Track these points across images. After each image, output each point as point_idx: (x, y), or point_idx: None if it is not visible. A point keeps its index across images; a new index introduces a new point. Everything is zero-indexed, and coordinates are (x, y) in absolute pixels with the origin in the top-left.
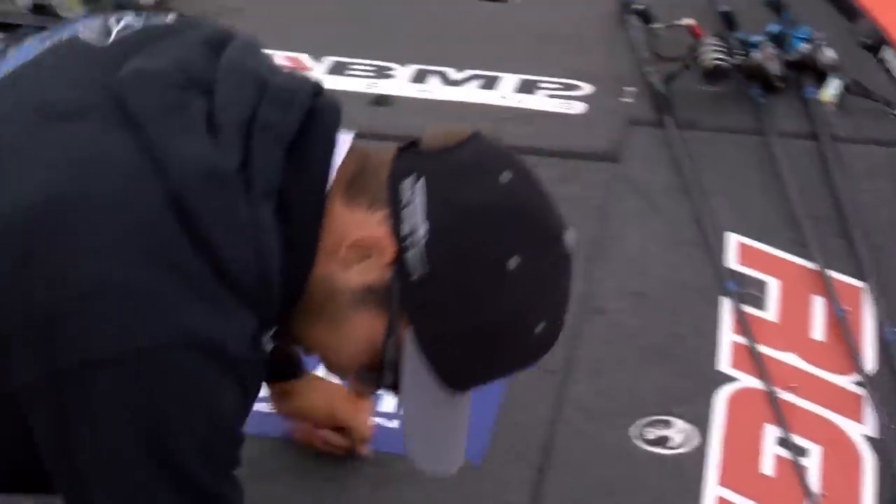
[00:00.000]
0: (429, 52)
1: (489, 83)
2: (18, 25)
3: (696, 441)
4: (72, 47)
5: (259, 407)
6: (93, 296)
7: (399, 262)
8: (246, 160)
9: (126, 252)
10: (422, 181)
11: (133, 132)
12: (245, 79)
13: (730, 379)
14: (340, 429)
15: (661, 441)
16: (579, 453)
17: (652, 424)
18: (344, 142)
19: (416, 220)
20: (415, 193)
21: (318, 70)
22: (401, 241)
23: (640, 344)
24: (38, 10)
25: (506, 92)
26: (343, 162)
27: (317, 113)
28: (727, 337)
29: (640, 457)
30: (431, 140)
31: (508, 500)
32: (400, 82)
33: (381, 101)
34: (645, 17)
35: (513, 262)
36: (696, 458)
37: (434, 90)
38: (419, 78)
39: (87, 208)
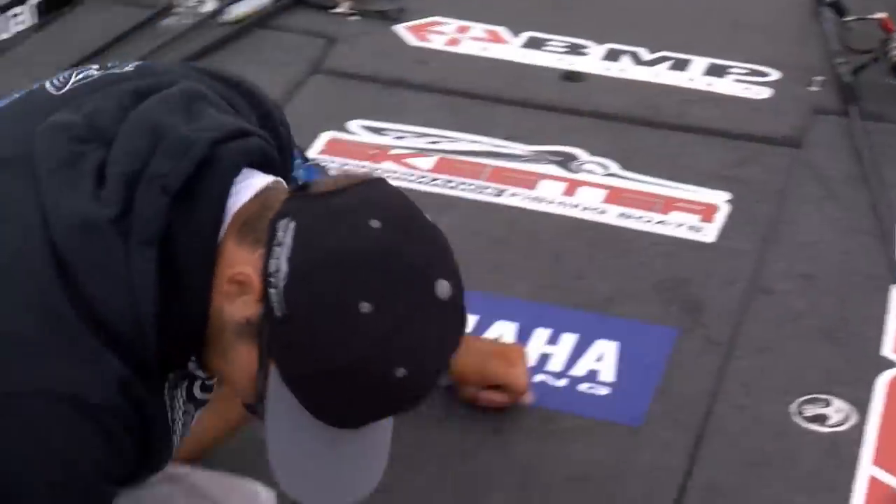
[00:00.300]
0: (624, 32)
1: (679, 65)
2: None
3: (853, 420)
4: (31, 97)
5: None
6: None
7: (265, 300)
8: (126, 210)
9: (5, 300)
10: (293, 223)
11: (34, 184)
12: (142, 130)
13: (893, 364)
14: (497, 386)
15: (819, 419)
16: (737, 425)
17: (811, 402)
18: (250, 186)
19: (281, 260)
20: (286, 235)
21: (514, 44)
22: (266, 279)
23: (806, 325)
24: None
25: (695, 74)
26: (245, 205)
27: (216, 160)
28: (895, 324)
29: (796, 432)
30: (321, 184)
31: (665, 463)
32: (593, 60)
33: (572, 76)
34: (838, 9)
35: (365, 307)
36: (853, 437)
37: (625, 69)
38: (612, 56)
39: None
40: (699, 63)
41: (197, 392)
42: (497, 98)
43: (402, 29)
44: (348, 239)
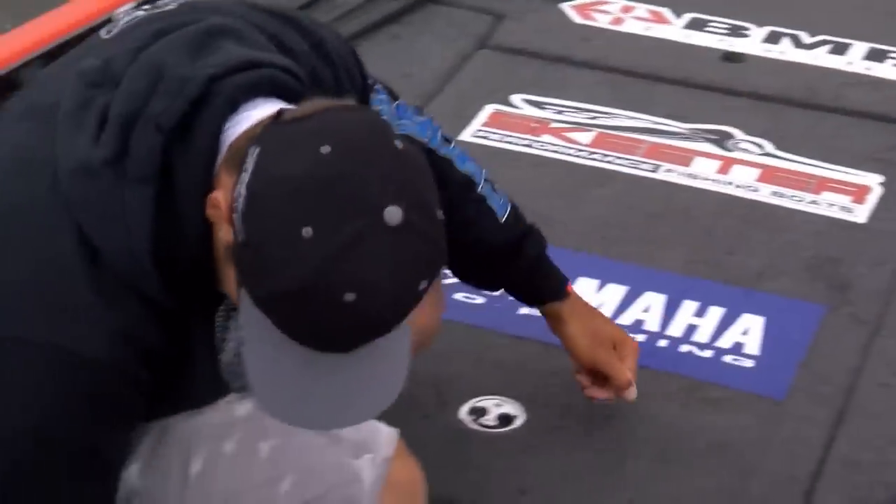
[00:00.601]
0: (785, 15)
1: (839, 49)
2: None
3: None
4: (87, 44)
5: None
6: None
7: (232, 224)
8: (123, 151)
9: (12, 247)
10: (258, 149)
11: (53, 130)
12: (145, 71)
13: None
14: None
15: None
16: (880, 404)
17: None
18: (249, 117)
19: (242, 186)
20: (251, 161)
21: (677, 24)
22: (232, 205)
23: None
24: None
25: (854, 59)
26: (239, 135)
27: (212, 95)
28: None
29: None
30: (295, 111)
31: (805, 436)
32: (753, 42)
33: (732, 57)
34: None
35: (307, 232)
36: None
37: (785, 51)
38: (772, 39)
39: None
40: (859, 47)
41: None
42: (657, 77)
43: (567, 7)
44: (296, 165)
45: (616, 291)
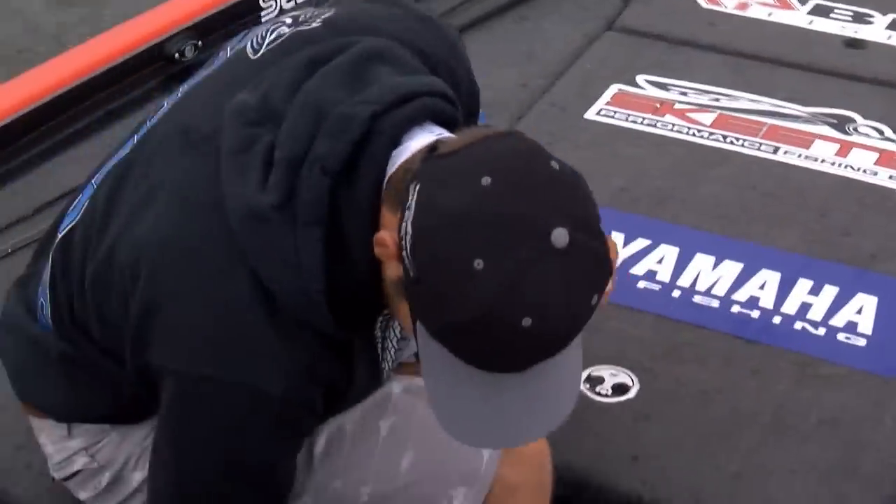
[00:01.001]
0: None
1: None
2: None
3: None
4: (233, 63)
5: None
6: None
7: (402, 262)
8: (291, 195)
9: (193, 287)
10: (418, 185)
11: (217, 167)
12: (307, 111)
13: None
14: None
15: None
16: None
17: None
18: (408, 149)
19: (408, 223)
20: (412, 197)
21: (801, 11)
22: (400, 242)
23: None
24: None
25: None
26: (396, 169)
27: (374, 134)
28: None
29: None
30: (448, 143)
31: None
32: (877, 29)
33: (855, 44)
34: None
35: (478, 264)
36: None
37: None
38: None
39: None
40: None
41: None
42: (780, 61)
43: None
44: (459, 198)
45: (732, 268)
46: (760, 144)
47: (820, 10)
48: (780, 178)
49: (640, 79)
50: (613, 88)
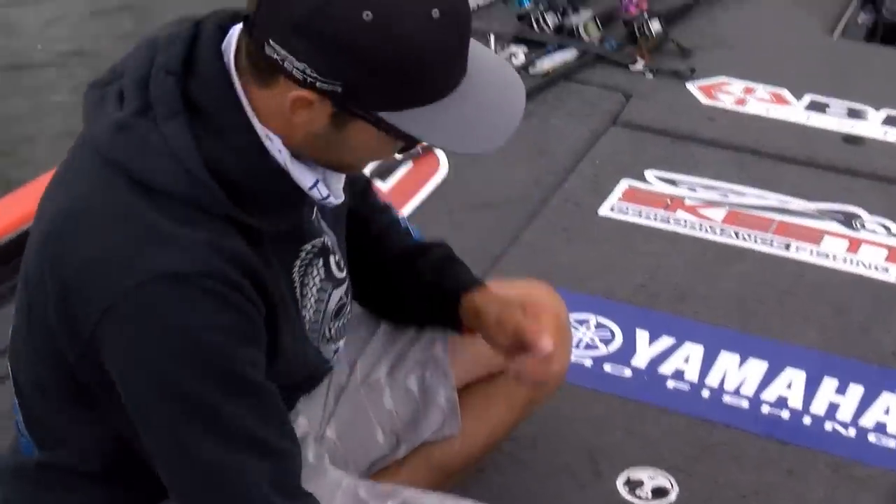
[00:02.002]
0: None
1: None
2: (544, 43)
3: None
4: None
5: None
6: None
7: (324, 93)
8: (147, 104)
9: (91, 223)
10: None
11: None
12: (143, 46)
13: None
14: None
15: None
16: None
17: None
18: (233, 36)
19: (297, 57)
20: (282, 48)
21: (797, 106)
22: (306, 81)
23: None
24: (559, 30)
25: None
26: (238, 53)
27: (200, 33)
28: None
29: None
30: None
31: None
32: (872, 125)
33: (852, 139)
34: None
35: (366, 14)
36: None
37: None
38: (890, 122)
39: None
40: None
41: (335, 270)
42: (781, 156)
43: (692, 87)
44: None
45: (758, 367)
46: (772, 240)
47: (816, 106)
48: (795, 275)
49: (648, 174)
50: (624, 184)
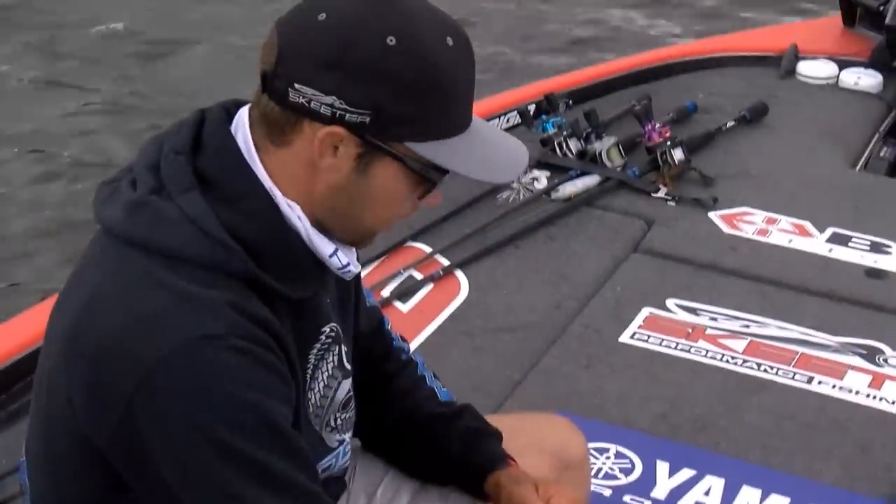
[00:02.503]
0: None
1: None
2: (567, 168)
3: None
4: None
5: None
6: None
7: (351, 128)
8: (160, 185)
9: (114, 297)
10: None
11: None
12: (147, 143)
13: None
14: None
15: None
16: None
17: None
18: (242, 113)
19: (322, 98)
20: (306, 92)
21: (819, 238)
22: (334, 116)
23: None
24: (582, 156)
25: None
26: (252, 123)
27: (206, 115)
28: None
29: None
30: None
31: None
32: (895, 259)
33: (875, 273)
34: None
35: (391, 40)
36: None
37: None
38: None
39: None
40: None
41: (346, 360)
42: (804, 288)
43: (714, 216)
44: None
45: (780, 503)
46: (794, 374)
47: (838, 239)
48: (817, 410)
49: (669, 302)
50: (645, 312)
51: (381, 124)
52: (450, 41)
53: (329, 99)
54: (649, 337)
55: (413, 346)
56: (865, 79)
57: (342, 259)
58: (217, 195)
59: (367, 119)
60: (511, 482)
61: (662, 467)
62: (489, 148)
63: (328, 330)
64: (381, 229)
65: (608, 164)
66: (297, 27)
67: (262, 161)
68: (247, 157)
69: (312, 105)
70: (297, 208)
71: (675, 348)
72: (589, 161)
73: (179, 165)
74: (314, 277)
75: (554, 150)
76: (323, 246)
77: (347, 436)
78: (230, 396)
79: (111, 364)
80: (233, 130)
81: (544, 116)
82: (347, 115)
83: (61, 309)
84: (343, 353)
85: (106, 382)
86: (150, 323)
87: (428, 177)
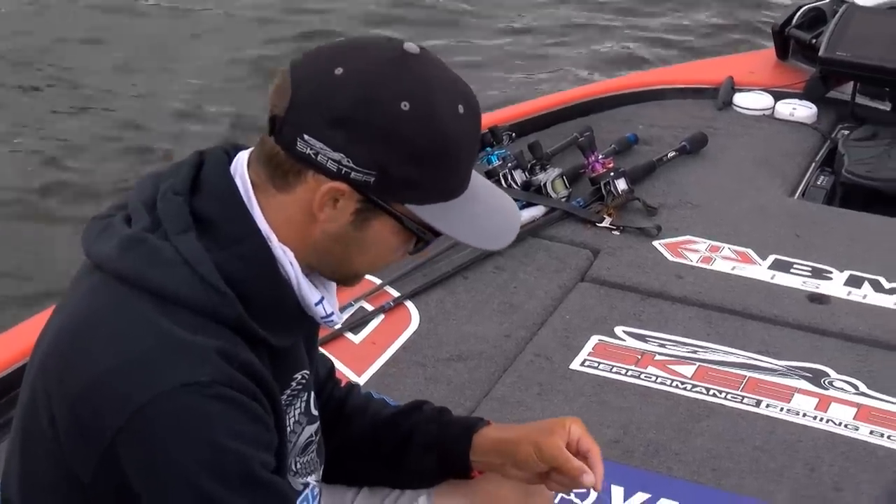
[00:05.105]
0: (862, 261)
1: None
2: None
3: None
4: None
5: None
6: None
7: (353, 184)
8: (156, 223)
9: (101, 332)
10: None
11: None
12: (143, 181)
13: None
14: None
15: None
16: None
17: None
18: (242, 156)
19: (328, 152)
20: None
21: (762, 265)
22: (339, 171)
23: None
24: (527, 187)
25: None
26: (251, 166)
27: (206, 157)
28: None
29: None
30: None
31: None
32: (836, 284)
33: (818, 298)
34: None
35: (405, 105)
36: None
37: (868, 295)
38: (854, 283)
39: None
40: None
41: (312, 407)
42: (749, 314)
43: (659, 245)
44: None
45: None
46: (743, 398)
47: (780, 266)
48: (767, 432)
49: (618, 330)
50: (594, 339)
51: (385, 185)
52: (461, 108)
53: (337, 155)
54: (599, 364)
55: (366, 376)
56: (800, 110)
57: (327, 308)
58: (213, 237)
59: (372, 179)
60: (507, 431)
61: (617, 492)
62: (484, 213)
63: (300, 377)
64: (369, 273)
65: (553, 195)
66: (312, 78)
67: (259, 202)
68: (245, 200)
69: (319, 158)
70: (290, 254)
71: (626, 374)
72: (534, 192)
73: (177, 205)
74: (298, 326)
75: (499, 182)
76: (311, 294)
77: (311, 479)
78: (212, 444)
79: (96, 404)
80: (232, 170)
81: (489, 149)
82: (353, 174)
83: (47, 342)
84: (311, 399)
85: (90, 421)
86: (138, 366)
87: (422, 236)
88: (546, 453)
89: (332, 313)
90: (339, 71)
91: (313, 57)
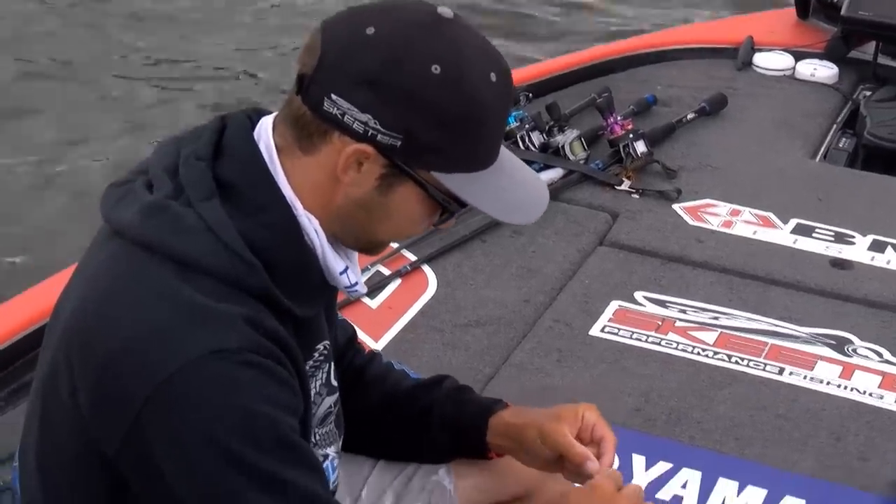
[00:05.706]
0: (886, 225)
1: None
2: (530, 162)
3: None
4: None
5: None
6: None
7: (381, 148)
8: (179, 189)
9: (125, 301)
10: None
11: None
12: (163, 146)
13: None
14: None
15: None
16: None
17: None
18: (266, 121)
19: (354, 112)
20: (340, 105)
21: (784, 229)
22: (366, 133)
23: None
24: (545, 149)
25: None
26: (277, 129)
27: (228, 121)
28: None
29: None
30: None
31: None
32: (859, 249)
33: (840, 264)
34: None
35: (435, 68)
36: None
37: (891, 260)
38: (877, 247)
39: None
40: None
41: (332, 378)
42: (771, 279)
43: (679, 208)
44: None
45: (757, 495)
46: (765, 365)
47: (802, 230)
48: (790, 401)
49: (638, 295)
50: (614, 305)
51: (411, 150)
52: (493, 77)
53: (364, 116)
54: (619, 330)
55: (383, 342)
56: (821, 70)
57: (351, 278)
58: (236, 204)
59: (398, 143)
60: (522, 415)
61: (639, 461)
62: (511, 187)
63: (322, 348)
64: (393, 241)
65: (571, 157)
66: (342, 37)
67: (283, 166)
68: (269, 166)
69: (346, 119)
70: (315, 222)
71: (646, 341)
72: (552, 154)
73: (200, 171)
74: (321, 296)
75: (516, 144)
76: (335, 264)
77: (330, 450)
78: (243, 409)
79: (122, 373)
80: (256, 134)
81: None
82: (379, 136)
83: (69, 312)
84: (331, 370)
85: (116, 391)
86: (164, 334)
87: (447, 207)
88: (550, 438)
89: (357, 283)
90: (370, 31)
91: (345, 16)
